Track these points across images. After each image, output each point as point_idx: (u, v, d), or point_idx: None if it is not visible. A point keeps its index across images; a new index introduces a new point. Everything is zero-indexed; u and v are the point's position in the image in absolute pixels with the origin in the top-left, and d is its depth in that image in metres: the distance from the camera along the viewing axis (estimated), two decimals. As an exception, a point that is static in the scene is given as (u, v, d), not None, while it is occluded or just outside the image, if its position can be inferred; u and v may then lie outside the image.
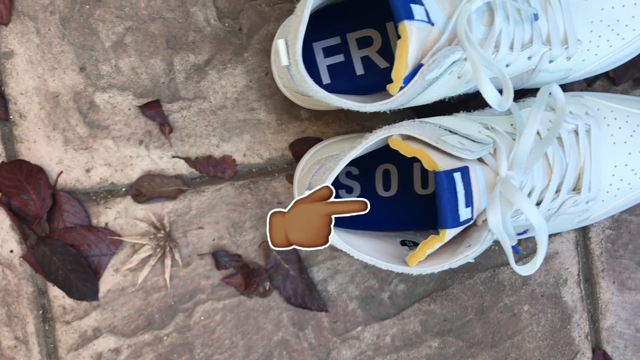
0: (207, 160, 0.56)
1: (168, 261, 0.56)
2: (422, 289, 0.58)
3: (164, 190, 0.56)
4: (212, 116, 0.56)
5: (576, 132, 0.50)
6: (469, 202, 0.41)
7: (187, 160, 0.56)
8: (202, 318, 0.57)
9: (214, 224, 0.57)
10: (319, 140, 0.57)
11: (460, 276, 0.58)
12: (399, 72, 0.40)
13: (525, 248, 0.58)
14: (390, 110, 0.44)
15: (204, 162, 0.56)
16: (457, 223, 0.40)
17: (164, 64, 0.56)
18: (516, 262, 0.58)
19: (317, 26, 0.53)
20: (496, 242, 0.58)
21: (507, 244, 0.42)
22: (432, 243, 0.41)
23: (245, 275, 0.57)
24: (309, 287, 0.57)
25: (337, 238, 0.42)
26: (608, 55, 0.52)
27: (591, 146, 0.50)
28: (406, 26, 0.39)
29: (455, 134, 0.42)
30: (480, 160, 0.44)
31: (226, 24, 0.56)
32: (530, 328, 0.58)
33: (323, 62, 0.53)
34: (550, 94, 0.47)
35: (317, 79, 0.53)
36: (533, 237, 0.58)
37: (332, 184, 0.53)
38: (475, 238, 0.42)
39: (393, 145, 0.42)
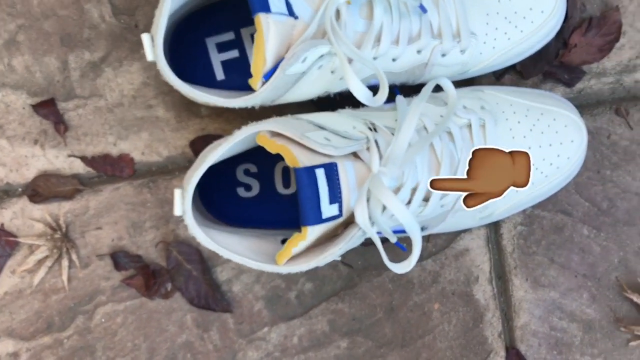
0: (104, 159, 0.55)
1: (65, 262, 0.55)
2: (329, 288, 0.57)
3: (61, 190, 0.55)
4: (109, 114, 0.55)
5: (469, 126, 0.48)
6: (335, 199, 0.39)
7: (84, 159, 0.55)
8: (103, 320, 0.56)
9: (112, 224, 0.55)
10: (220, 137, 0.55)
11: (369, 274, 0.57)
12: (257, 66, 0.38)
13: (434, 245, 0.57)
14: (272, 106, 0.43)
15: (101, 161, 0.55)
16: (319, 220, 0.38)
17: (59, 62, 0.54)
18: (425, 259, 0.57)
19: (210, 21, 0.51)
20: (405, 240, 0.57)
21: (377, 241, 0.41)
22: (296, 241, 0.39)
23: (146, 277, 0.55)
24: (212, 287, 0.56)
25: (204, 237, 0.41)
26: (507, 49, 0.51)
27: (486, 141, 0.48)
28: (261, 19, 0.38)
29: (325, 129, 0.41)
30: (356, 156, 0.43)
31: (122, 21, 0.55)
32: (441, 327, 0.57)
33: (217, 58, 0.52)
34: (434, 89, 0.45)
35: (210, 76, 0.52)
36: (442, 234, 0.57)
37: (229, 182, 0.52)
38: (344, 235, 0.41)
39: (259, 142, 0.40)
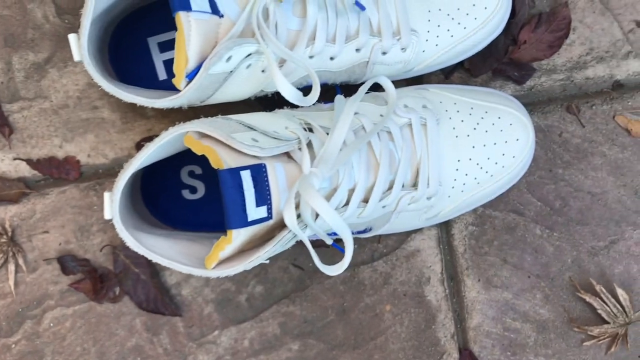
0: (50, 162, 0.54)
1: (12, 267, 0.54)
2: (280, 290, 0.56)
3: (6, 194, 0.54)
4: (54, 116, 0.54)
5: (410, 126, 0.48)
6: (263, 201, 0.39)
7: (29, 162, 0.54)
8: (52, 325, 0.55)
9: (59, 228, 0.55)
10: (166, 139, 0.55)
11: (320, 276, 0.57)
12: (179, 66, 0.38)
13: (385, 246, 0.57)
14: (218, 106, 0.42)
15: (47, 163, 0.54)
16: (245, 223, 0.38)
17: (2, 63, 0.54)
18: (376, 260, 0.56)
19: (152, 20, 0.51)
20: (355, 241, 0.56)
21: (308, 244, 0.40)
22: (223, 245, 0.39)
23: (94, 280, 0.55)
24: (161, 291, 0.55)
25: (132, 240, 0.41)
26: (451, 46, 0.50)
27: (428, 140, 0.48)
28: (181, 18, 0.37)
29: (254, 130, 0.40)
30: (289, 157, 0.42)
31: (66, 21, 0.54)
32: (393, 329, 0.57)
33: (159, 57, 0.51)
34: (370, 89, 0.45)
35: (152, 76, 0.51)
36: (392, 235, 0.57)
37: (173, 184, 0.52)
38: (274, 238, 0.40)
39: (186, 144, 0.40)
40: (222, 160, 0.38)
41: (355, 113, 0.46)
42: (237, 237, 0.38)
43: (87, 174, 0.55)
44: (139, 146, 0.55)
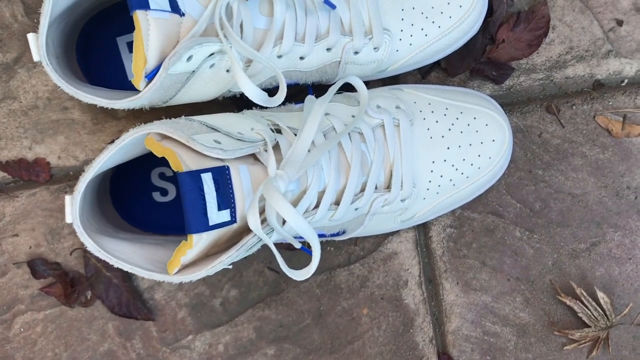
0: (19, 164, 0.53)
1: (-20, 271, 0.53)
2: (255, 294, 0.55)
3: (-25, 197, 0.53)
4: (23, 117, 0.53)
5: (383, 127, 0.47)
6: (226, 204, 0.38)
7: (-2, 164, 0.53)
8: (22, 330, 0.54)
9: (29, 231, 0.54)
10: (138, 140, 0.54)
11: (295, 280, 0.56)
12: (137, 65, 0.37)
13: (362, 248, 0.56)
14: (190, 106, 0.41)
15: (16, 165, 0.53)
16: (205, 227, 0.37)
17: (-30, 63, 0.53)
18: (352, 263, 0.55)
19: (121, 19, 0.50)
20: (331, 244, 0.55)
21: (273, 248, 0.39)
22: (184, 249, 0.38)
23: (65, 284, 0.54)
24: (133, 295, 0.54)
25: (92, 244, 0.40)
26: (425, 45, 0.49)
27: (401, 141, 0.47)
28: (139, 17, 0.36)
29: (217, 131, 0.39)
30: (256, 159, 0.41)
31: (35, 20, 0.53)
32: (370, 332, 0.56)
33: (128, 58, 0.50)
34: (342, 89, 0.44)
35: (122, 76, 0.50)
36: (369, 237, 0.56)
37: (144, 186, 0.51)
38: (238, 243, 0.39)
39: (147, 146, 0.39)
40: (182, 162, 0.37)
41: (326, 114, 0.45)
42: (199, 241, 0.37)
43: (57, 176, 0.54)
44: (110, 148, 0.54)
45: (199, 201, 0.36)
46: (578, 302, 0.55)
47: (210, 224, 0.37)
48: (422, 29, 0.49)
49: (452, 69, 0.54)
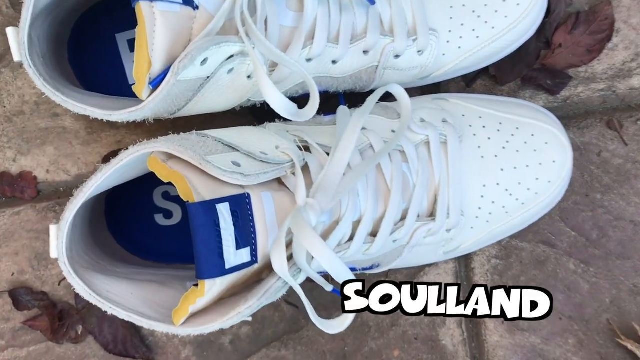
0: (2, 178, 0.46)
1: (-45, 301, 0.46)
2: (270, 332, 0.48)
3: (-51, 215, 0.46)
4: (7, 124, 0.46)
5: (428, 144, 0.40)
6: (246, 242, 0.31)
7: (-23, 178, 0.46)
8: (2, 368, 0.47)
9: (12, 255, 0.47)
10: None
11: (317, 315, 0.48)
12: (139, 69, 0.30)
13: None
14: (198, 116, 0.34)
15: (-3, 180, 0.46)
16: (221, 271, 0.30)
17: (-53, 62, 0.46)
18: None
19: (121, 13, 0.43)
20: (361, 275, 0.48)
21: (302, 294, 0.32)
22: (193, 298, 0.31)
23: (52, 317, 0.47)
24: (130, 331, 0.47)
25: (82, 287, 0.33)
26: (476, 49, 0.42)
27: (448, 161, 0.40)
28: (143, 9, 0.29)
29: (236, 150, 0.32)
30: (281, 183, 0.34)
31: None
32: (401, 377, 0.49)
33: (129, 58, 0.43)
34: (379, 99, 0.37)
35: (121, 80, 0.43)
36: (402, 268, 0.48)
37: (145, 208, 0.44)
38: (257, 289, 0.32)
39: (150, 167, 0.32)
40: (193, 190, 0.30)
41: (362, 129, 0.38)
42: (212, 288, 0.30)
43: (45, 193, 0.47)
44: (106, 160, 0.46)
45: (214, 239, 0.29)
46: (640, 345, 0.48)
47: (227, 267, 0.30)
48: (474, 30, 0.42)
49: (502, 77, 0.47)
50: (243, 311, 0.30)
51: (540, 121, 0.43)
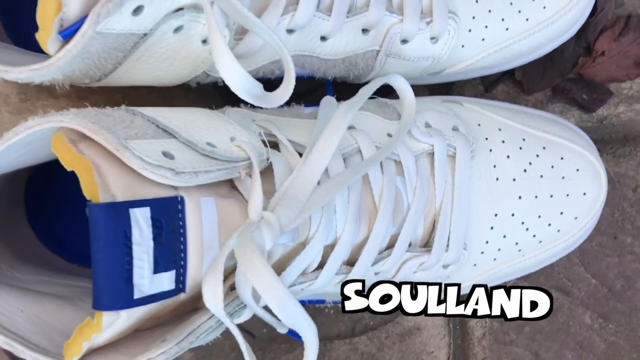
0: None
1: None
2: (218, 362, 0.40)
3: None
4: None
5: (431, 155, 0.31)
6: (170, 263, 0.23)
7: None
8: None
9: None
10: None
11: (276, 348, 0.40)
12: (45, 9, 0.21)
13: (372, 317, 0.40)
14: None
15: None
16: (126, 302, 0.21)
17: None
18: (357, 335, 0.40)
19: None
20: (332, 306, 0.40)
21: (239, 336, 0.24)
22: (88, 333, 0.22)
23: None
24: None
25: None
26: (504, 44, 0.34)
27: (455, 180, 0.32)
28: None
29: (173, 137, 0.24)
30: (233, 188, 0.26)
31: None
32: None
33: None
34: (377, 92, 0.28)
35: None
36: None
37: (73, 193, 0.35)
38: (185, 325, 0.23)
39: (53, 149, 0.23)
40: (100, 185, 0.21)
41: (350, 127, 0.30)
42: (113, 323, 0.22)
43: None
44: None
45: (120, 256, 0.21)
46: None
47: (137, 296, 0.22)
48: (503, 20, 0.33)
49: (529, 84, 0.39)
50: (155, 358, 0.22)
51: (573, 142, 0.34)
